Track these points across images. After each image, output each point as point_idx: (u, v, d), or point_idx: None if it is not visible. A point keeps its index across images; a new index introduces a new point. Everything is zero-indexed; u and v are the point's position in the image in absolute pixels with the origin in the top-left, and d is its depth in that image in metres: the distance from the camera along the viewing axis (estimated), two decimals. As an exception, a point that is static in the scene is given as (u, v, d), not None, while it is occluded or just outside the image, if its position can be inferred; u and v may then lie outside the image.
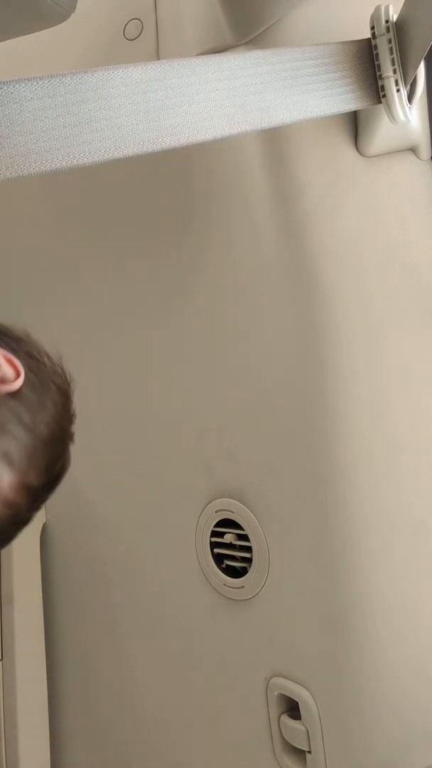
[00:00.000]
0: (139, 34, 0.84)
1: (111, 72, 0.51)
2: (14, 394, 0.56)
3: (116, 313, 0.96)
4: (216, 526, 0.89)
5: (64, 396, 0.61)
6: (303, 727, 0.82)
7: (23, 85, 0.48)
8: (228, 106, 0.55)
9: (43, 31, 0.65)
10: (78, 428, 1.05)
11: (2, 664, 1.08)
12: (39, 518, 1.12)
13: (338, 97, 0.62)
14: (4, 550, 1.08)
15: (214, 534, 0.90)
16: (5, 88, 0.48)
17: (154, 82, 0.53)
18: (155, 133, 0.52)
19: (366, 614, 0.76)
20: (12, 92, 0.48)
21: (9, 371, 0.56)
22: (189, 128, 0.54)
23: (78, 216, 0.96)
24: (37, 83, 0.49)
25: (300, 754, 0.84)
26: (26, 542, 1.10)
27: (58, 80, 0.49)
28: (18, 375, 0.56)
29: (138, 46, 0.84)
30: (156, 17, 0.83)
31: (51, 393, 0.60)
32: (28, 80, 0.49)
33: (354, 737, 0.79)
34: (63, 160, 0.49)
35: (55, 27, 0.64)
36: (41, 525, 1.12)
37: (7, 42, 0.66)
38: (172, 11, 0.81)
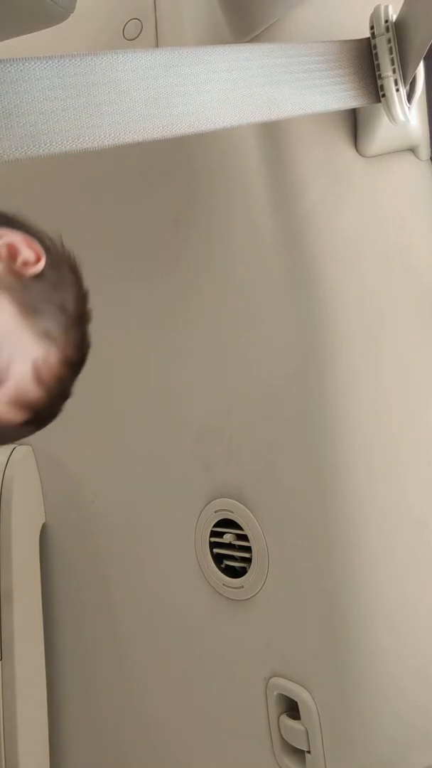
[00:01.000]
0: (139, 34, 0.84)
1: (120, 56, 0.51)
2: (39, 276, 0.57)
3: (116, 314, 0.96)
4: (215, 526, 0.89)
5: (77, 275, 0.62)
6: (302, 727, 0.82)
7: (32, 63, 0.48)
8: (236, 96, 0.55)
9: (42, 31, 0.65)
10: (78, 428, 1.06)
11: (1, 664, 1.08)
12: (38, 518, 1.12)
13: (340, 93, 0.62)
14: (4, 550, 1.08)
15: (213, 534, 0.90)
16: (15, 65, 0.47)
17: (163, 68, 0.53)
18: (165, 119, 0.52)
19: (366, 614, 0.76)
20: (22, 69, 0.48)
21: (30, 254, 0.57)
22: (197, 116, 0.54)
23: (79, 216, 0.96)
24: (47, 62, 0.48)
25: (299, 754, 0.84)
26: (26, 542, 1.10)
27: (68, 61, 0.49)
28: (39, 258, 0.57)
29: (137, 46, 0.84)
30: (155, 17, 0.83)
31: (66, 273, 0.61)
32: (38, 59, 0.48)
33: (353, 737, 0.79)
34: (73, 142, 0.49)
35: (54, 27, 0.64)
36: (41, 525, 1.12)
37: (7, 42, 0.66)
38: (172, 11, 0.81)
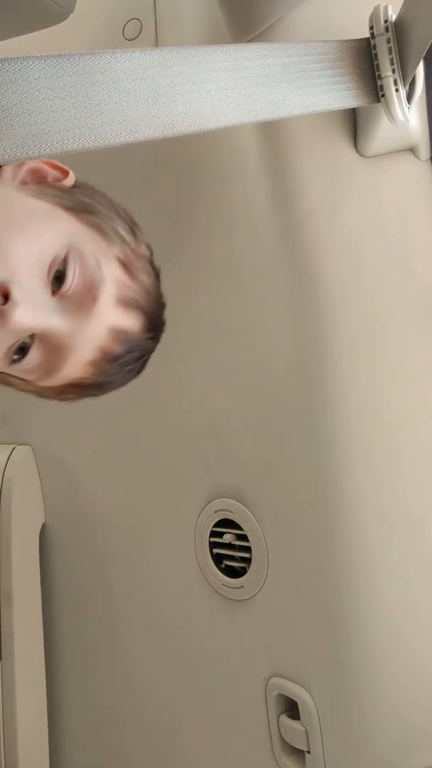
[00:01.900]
0: (139, 34, 0.84)
1: (120, 55, 0.51)
2: (76, 186, 0.58)
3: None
4: (215, 526, 0.89)
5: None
6: (302, 727, 0.82)
7: (31, 62, 0.48)
8: (236, 95, 0.55)
9: (42, 31, 0.65)
10: (77, 428, 1.06)
11: (1, 664, 1.08)
12: (38, 518, 1.12)
13: (340, 93, 0.62)
14: (4, 550, 1.08)
15: (213, 534, 0.90)
16: (14, 64, 0.47)
17: (163, 67, 0.52)
18: (165, 118, 0.52)
19: (365, 614, 0.76)
20: (20, 69, 0.47)
21: (56, 172, 0.58)
22: (198, 115, 0.53)
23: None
24: (47, 61, 0.48)
25: (299, 754, 0.84)
26: (25, 542, 1.10)
27: (67, 60, 0.49)
28: (67, 172, 0.58)
29: (137, 46, 0.84)
30: (155, 17, 0.83)
31: (93, 187, 0.61)
32: (37, 58, 0.48)
33: (353, 737, 0.79)
34: (74, 142, 0.48)
35: (54, 26, 0.64)
36: (40, 525, 1.12)
37: (7, 42, 0.66)
38: (172, 11, 0.81)
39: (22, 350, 0.51)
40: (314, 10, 0.69)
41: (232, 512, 0.87)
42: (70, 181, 0.58)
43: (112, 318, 0.53)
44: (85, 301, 0.51)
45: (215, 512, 0.89)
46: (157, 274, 0.61)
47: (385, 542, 0.76)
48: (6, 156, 0.46)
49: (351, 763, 0.79)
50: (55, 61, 0.48)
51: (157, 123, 0.51)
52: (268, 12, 0.69)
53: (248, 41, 0.70)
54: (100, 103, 0.50)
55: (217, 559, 0.90)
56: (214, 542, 0.90)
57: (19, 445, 1.12)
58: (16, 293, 0.48)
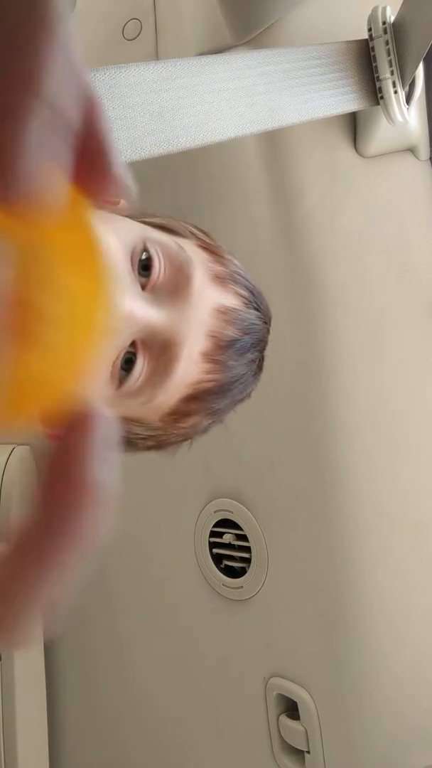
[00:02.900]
0: (138, 34, 0.84)
1: (123, 70, 0.50)
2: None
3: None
4: (215, 526, 0.89)
5: None
6: (302, 728, 0.82)
7: None
8: (239, 105, 0.55)
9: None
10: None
11: (1, 664, 1.08)
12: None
13: (340, 97, 0.62)
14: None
15: (213, 534, 0.90)
16: None
17: (166, 81, 0.52)
18: (171, 133, 0.51)
19: (365, 614, 0.76)
20: None
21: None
22: (203, 128, 0.53)
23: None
24: None
25: (299, 754, 0.84)
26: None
27: None
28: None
29: (137, 46, 0.84)
30: (155, 17, 0.83)
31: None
32: None
33: (353, 737, 0.79)
34: None
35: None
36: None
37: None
38: (172, 11, 0.81)
39: (129, 363, 0.45)
40: (314, 10, 0.69)
41: (231, 512, 0.87)
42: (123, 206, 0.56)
43: (212, 297, 0.48)
44: (178, 284, 0.46)
45: (215, 512, 0.89)
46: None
47: (385, 542, 0.76)
48: None
49: (351, 763, 0.79)
50: None
51: (163, 138, 0.50)
52: (268, 12, 0.69)
53: (248, 41, 0.70)
54: None
55: (217, 559, 0.90)
56: (214, 542, 0.90)
57: (19, 445, 1.12)
58: None
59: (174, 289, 0.46)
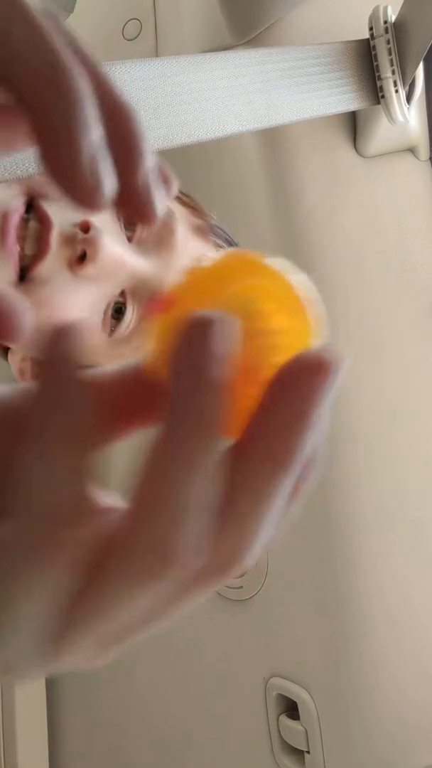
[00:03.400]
0: (138, 34, 0.84)
1: (117, 67, 0.50)
2: None
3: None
4: (215, 526, 0.89)
5: None
6: (302, 728, 0.82)
7: None
8: (236, 103, 0.55)
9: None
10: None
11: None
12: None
13: (339, 96, 0.62)
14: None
15: (213, 534, 0.90)
16: None
17: (162, 78, 0.52)
18: (166, 130, 0.51)
19: (365, 614, 0.76)
20: None
21: None
22: (199, 125, 0.53)
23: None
24: None
25: (299, 754, 0.84)
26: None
27: None
28: None
29: (137, 46, 0.84)
30: (155, 17, 0.83)
31: None
32: None
33: (353, 737, 0.79)
34: None
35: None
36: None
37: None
38: (171, 11, 0.81)
39: (119, 312, 0.49)
40: (314, 10, 0.69)
41: (231, 512, 0.87)
42: None
43: (194, 247, 0.51)
44: (162, 236, 0.49)
45: (215, 512, 0.89)
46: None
47: (385, 542, 0.76)
48: (4, 175, 0.46)
49: (351, 763, 0.79)
50: None
51: (158, 135, 0.51)
52: (268, 12, 0.69)
53: (248, 41, 0.70)
54: None
55: (217, 559, 0.90)
56: (214, 542, 0.90)
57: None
58: (97, 224, 0.45)
59: (159, 241, 0.49)
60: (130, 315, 0.49)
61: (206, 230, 0.53)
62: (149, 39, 0.83)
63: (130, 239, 0.48)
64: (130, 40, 0.85)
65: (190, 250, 0.50)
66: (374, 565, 0.76)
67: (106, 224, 0.47)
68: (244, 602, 0.87)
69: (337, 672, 0.79)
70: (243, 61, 0.56)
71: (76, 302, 0.46)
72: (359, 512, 0.75)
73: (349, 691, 0.78)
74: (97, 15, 0.88)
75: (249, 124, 0.56)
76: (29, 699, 1.09)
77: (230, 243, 0.55)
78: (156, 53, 0.82)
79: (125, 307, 0.48)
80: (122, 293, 0.48)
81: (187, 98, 0.53)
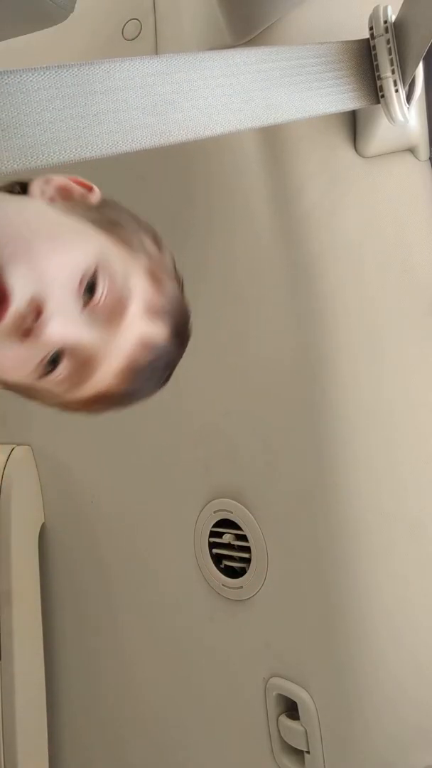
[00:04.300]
0: (138, 34, 0.84)
1: (118, 64, 0.51)
2: (103, 203, 0.59)
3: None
4: (214, 526, 0.89)
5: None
6: (302, 728, 0.82)
7: (30, 74, 0.48)
8: (234, 101, 0.55)
9: (41, 31, 0.65)
10: (76, 428, 1.05)
11: (1, 664, 1.08)
12: (37, 518, 1.12)
13: (339, 96, 0.62)
14: (3, 550, 1.08)
15: (212, 534, 0.90)
16: (12, 77, 0.47)
17: (161, 75, 0.52)
18: (163, 126, 0.52)
19: (365, 614, 0.76)
20: (19, 81, 0.47)
21: (82, 189, 0.59)
22: (196, 123, 0.53)
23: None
24: (44, 73, 0.48)
25: (298, 754, 0.84)
26: (25, 542, 1.10)
27: (65, 71, 0.49)
28: (92, 188, 0.60)
29: (137, 46, 0.84)
30: (155, 17, 0.83)
31: (117, 203, 0.62)
32: (35, 70, 0.48)
33: (353, 737, 0.79)
34: (72, 152, 0.49)
35: (53, 27, 0.64)
36: (40, 525, 1.12)
37: (6, 42, 0.66)
38: (171, 11, 0.81)
39: (53, 362, 0.52)
40: (314, 10, 0.69)
41: (231, 512, 0.87)
42: (95, 197, 0.59)
43: (140, 328, 0.54)
44: (114, 313, 0.53)
45: (215, 512, 0.89)
46: (181, 284, 0.62)
47: (385, 542, 0.76)
48: (2, 167, 0.46)
49: (351, 764, 0.79)
50: (54, 72, 0.49)
51: (155, 131, 0.52)
52: (268, 12, 0.69)
53: (248, 42, 0.70)
54: (98, 113, 0.50)
55: (217, 560, 0.90)
56: (214, 542, 0.90)
57: (18, 445, 1.12)
58: (49, 308, 0.49)
59: (109, 316, 0.53)
60: (62, 369, 0.53)
61: (158, 311, 0.56)
62: (149, 39, 0.83)
63: (86, 304, 0.52)
64: (130, 40, 0.85)
65: (135, 330, 0.54)
66: (374, 565, 0.76)
67: (60, 296, 0.50)
68: (244, 602, 0.87)
69: (337, 672, 0.79)
70: (243, 60, 0.56)
71: (11, 356, 0.51)
72: (359, 512, 0.75)
73: (349, 691, 0.78)
74: (97, 15, 0.88)
75: (248, 122, 0.56)
76: (29, 699, 1.09)
77: (177, 322, 0.59)
78: (156, 53, 0.82)
79: (60, 360, 0.52)
80: (61, 350, 0.52)
81: (187, 96, 0.53)
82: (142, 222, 0.60)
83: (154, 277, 0.57)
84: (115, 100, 0.50)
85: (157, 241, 0.60)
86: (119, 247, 0.56)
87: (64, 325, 0.50)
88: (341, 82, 0.61)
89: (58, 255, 0.51)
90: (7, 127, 0.46)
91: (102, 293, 0.52)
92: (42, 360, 0.52)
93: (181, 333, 0.60)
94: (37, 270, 0.49)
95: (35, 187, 0.57)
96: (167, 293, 0.58)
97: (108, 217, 0.57)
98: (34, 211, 0.55)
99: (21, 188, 0.58)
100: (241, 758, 0.92)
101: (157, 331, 0.56)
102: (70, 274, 0.51)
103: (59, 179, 0.58)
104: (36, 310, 0.49)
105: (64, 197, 0.58)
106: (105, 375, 0.54)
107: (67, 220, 0.54)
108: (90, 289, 0.52)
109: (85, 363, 0.53)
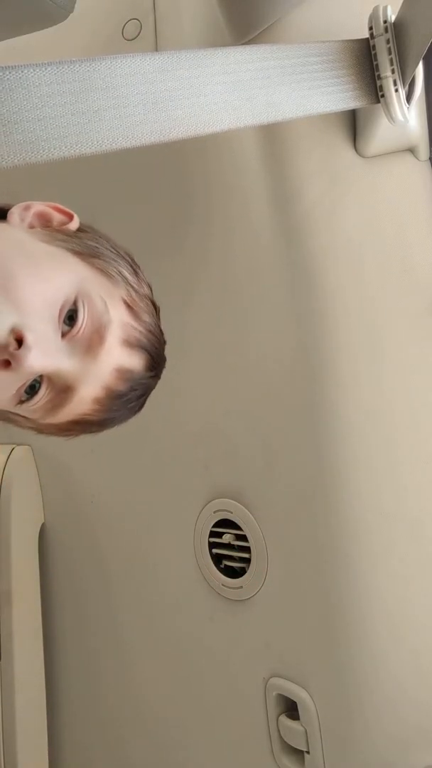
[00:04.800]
0: (138, 34, 0.84)
1: (119, 61, 0.51)
2: (81, 230, 0.60)
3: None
4: (214, 526, 0.89)
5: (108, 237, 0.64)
6: (301, 728, 0.82)
7: (31, 70, 0.48)
8: (235, 99, 0.55)
9: (41, 31, 0.65)
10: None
11: (1, 664, 1.08)
12: (37, 518, 1.12)
13: (339, 95, 0.62)
14: (3, 550, 1.08)
15: (212, 534, 0.90)
16: (13, 73, 0.47)
17: (161, 72, 0.52)
18: (163, 123, 0.52)
19: (364, 614, 0.76)
20: (19, 77, 0.47)
21: (61, 216, 0.59)
22: (196, 120, 0.54)
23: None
24: (45, 69, 0.48)
25: (298, 754, 0.84)
26: (25, 542, 1.10)
27: (66, 67, 0.49)
28: (71, 216, 0.60)
29: (137, 46, 0.84)
30: (155, 17, 0.83)
31: (96, 230, 0.62)
32: (36, 65, 0.48)
33: (353, 737, 0.79)
34: (71, 148, 0.49)
35: (53, 27, 0.64)
36: (40, 525, 1.12)
37: (6, 42, 0.66)
38: (171, 11, 0.81)
39: (32, 389, 0.54)
40: (314, 10, 0.69)
41: (231, 512, 0.87)
42: (74, 224, 0.60)
43: (117, 358, 0.55)
44: (93, 343, 0.53)
45: (214, 512, 0.89)
46: (157, 312, 0.63)
47: (385, 542, 0.76)
48: (3, 163, 0.46)
49: (350, 764, 0.79)
50: (55, 68, 0.49)
51: (155, 128, 0.52)
52: (268, 12, 0.69)
53: (248, 41, 0.70)
54: (98, 110, 0.50)
55: (217, 560, 0.90)
56: (214, 542, 0.90)
57: (19, 445, 1.12)
58: (29, 338, 0.49)
59: (88, 345, 0.54)
60: (41, 396, 0.54)
61: (134, 343, 0.57)
62: (149, 39, 0.83)
63: (65, 334, 0.53)
64: (130, 40, 0.85)
65: (112, 359, 0.55)
66: (374, 565, 0.76)
67: (41, 325, 0.51)
68: (244, 602, 0.87)
69: (337, 672, 0.79)
70: (244, 57, 0.56)
71: None
72: (359, 512, 0.75)
73: (349, 691, 0.78)
74: (97, 15, 0.88)
75: (248, 120, 0.56)
76: (29, 699, 1.09)
77: (153, 352, 0.60)
78: (156, 53, 0.82)
79: (40, 387, 0.53)
80: (41, 376, 0.53)
81: (187, 93, 0.53)
82: (120, 248, 0.61)
83: (132, 307, 0.58)
84: (116, 97, 0.50)
85: (134, 269, 0.61)
86: (98, 276, 0.56)
87: (45, 355, 0.50)
88: (341, 81, 0.61)
89: (38, 284, 0.51)
90: (7, 122, 0.46)
91: (82, 323, 0.53)
92: (21, 387, 0.52)
93: (156, 362, 0.61)
94: (18, 300, 0.49)
95: (14, 214, 0.57)
96: (143, 323, 0.58)
97: (87, 246, 0.57)
98: (13, 239, 0.55)
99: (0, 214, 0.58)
100: (241, 758, 0.92)
101: (134, 361, 0.57)
102: (50, 304, 0.51)
103: (39, 206, 0.58)
104: (17, 340, 0.49)
105: (43, 224, 0.58)
106: (81, 402, 0.55)
107: (46, 249, 0.55)
108: (70, 318, 0.52)
109: (63, 390, 0.54)
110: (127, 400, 0.58)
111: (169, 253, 0.88)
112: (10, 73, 0.47)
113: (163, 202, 0.87)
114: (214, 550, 0.90)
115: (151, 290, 0.63)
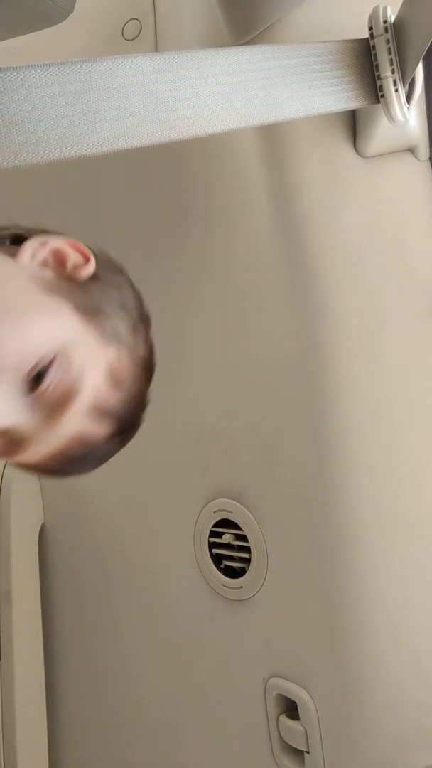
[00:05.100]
0: (138, 34, 0.84)
1: (120, 61, 0.51)
2: (93, 277, 0.56)
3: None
4: (214, 526, 0.89)
5: (125, 275, 0.61)
6: (301, 728, 0.82)
7: (32, 71, 0.48)
8: (235, 99, 0.55)
9: (41, 31, 0.65)
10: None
11: (1, 664, 1.08)
12: (37, 518, 1.12)
13: (339, 95, 0.62)
14: (3, 551, 1.08)
15: (212, 534, 0.90)
16: (13, 73, 0.47)
17: (162, 73, 0.52)
18: (164, 124, 0.52)
19: (364, 614, 0.76)
20: (20, 78, 0.47)
21: (78, 257, 0.56)
22: (197, 120, 0.53)
23: (76, 218, 0.96)
24: (46, 70, 0.48)
25: (298, 754, 0.84)
26: (25, 542, 1.10)
27: (67, 67, 0.49)
28: (88, 258, 0.57)
29: (137, 46, 0.84)
30: (155, 17, 0.83)
31: (119, 273, 0.60)
32: (37, 66, 0.48)
33: (353, 737, 0.79)
34: (72, 149, 0.49)
35: (53, 27, 0.64)
36: (39, 525, 1.12)
37: (6, 42, 0.66)
38: (171, 11, 0.81)
39: None
40: (314, 10, 0.69)
41: (231, 512, 0.87)
42: (89, 269, 0.56)
43: (80, 425, 0.53)
44: (57, 406, 0.52)
45: (214, 512, 0.89)
46: (150, 374, 0.60)
47: (385, 542, 0.76)
48: (3, 164, 0.46)
49: (350, 764, 0.79)
50: (56, 68, 0.49)
51: (156, 128, 0.52)
52: (268, 12, 0.69)
53: (248, 42, 0.70)
54: (99, 110, 0.50)
55: (217, 560, 0.90)
56: (214, 542, 0.90)
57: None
58: None
59: (51, 407, 0.52)
60: None
61: (103, 414, 0.54)
62: (149, 39, 0.83)
63: (32, 389, 0.51)
64: (130, 40, 0.85)
65: (74, 426, 0.53)
66: (374, 565, 0.76)
67: (8, 378, 0.49)
68: (244, 602, 0.87)
69: (337, 672, 0.79)
70: (244, 57, 0.56)
71: None
72: (359, 512, 0.75)
73: (349, 691, 0.78)
74: (97, 15, 0.88)
75: (248, 120, 0.56)
76: (29, 699, 1.09)
77: (122, 423, 0.57)
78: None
79: None
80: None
81: (188, 93, 0.53)
82: (128, 302, 0.58)
83: (114, 375, 0.55)
84: (117, 97, 0.50)
85: (136, 326, 0.58)
86: (89, 335, 0.53)
87: (4, 408, 0.49)
88: (341, 81, 0.62)
89: (19, 337, 0.49)
90: (8, 123, 0.46)
91: (49, 385, 0.51)
92: None
93: (124, 433, 0.58)
94: None
95: (27, 249, 0.55)
96: (121, 394, 0.56)
97: (91, 301, 0.55)
98: (13, 285, 0.53)
99: (14, 240, 0.56)
100: (241, 758, 0.92)
101: (98, 430, 0.55)
102: (24, 359, 0.49)
103: (56, 243, 0.56)
104: None
105: (57, 263, 0.56)
106: (34, 456, 0.54)
107: (42, 300, 0.52)
108: (40, 377, 0.50)
109: (16, 443, 0.52)
110: (83, 462, 0.57)
111: (169, 252, 0.88)
112: (11, 74, 0.47)
113: (163, 202, 0.87)
114: (214, 550, 0.90)
115: (152, 350, 0.60)
